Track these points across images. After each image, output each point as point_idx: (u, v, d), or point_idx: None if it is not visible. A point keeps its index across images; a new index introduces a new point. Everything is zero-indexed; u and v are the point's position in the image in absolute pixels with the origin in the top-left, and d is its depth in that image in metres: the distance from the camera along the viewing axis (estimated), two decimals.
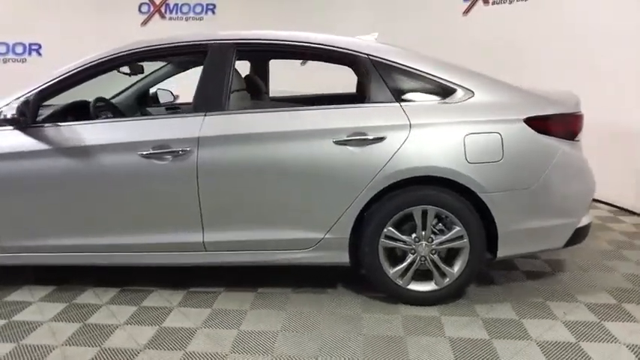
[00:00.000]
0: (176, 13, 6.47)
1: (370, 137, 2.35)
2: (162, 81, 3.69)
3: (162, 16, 6.43)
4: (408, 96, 2.46)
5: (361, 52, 2.50)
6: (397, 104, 2.42)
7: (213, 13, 6.50)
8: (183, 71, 3.63)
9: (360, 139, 2.36)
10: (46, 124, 2.49)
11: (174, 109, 3.85)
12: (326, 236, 2.46)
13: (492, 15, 5.32)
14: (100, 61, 2.55)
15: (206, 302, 2.59)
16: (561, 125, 2.41)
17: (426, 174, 2.35)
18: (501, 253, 2.45)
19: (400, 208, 2.40)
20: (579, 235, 2.53)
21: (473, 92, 2.43)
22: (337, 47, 2.53)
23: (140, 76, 3.55)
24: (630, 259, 3.08)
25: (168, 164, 2.41)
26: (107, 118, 2.80)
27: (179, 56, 3.04)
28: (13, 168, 2.46)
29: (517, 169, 2.36)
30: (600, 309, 2.46)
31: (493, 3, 5.33)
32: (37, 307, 2.54)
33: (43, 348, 2.16)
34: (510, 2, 5.15)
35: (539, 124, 2.37)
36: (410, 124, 2.36)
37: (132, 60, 2.70)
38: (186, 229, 2.50)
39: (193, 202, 2.45)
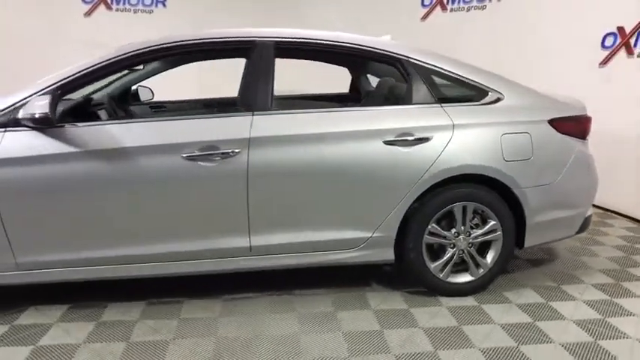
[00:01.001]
0: (123, 4, 6.03)
1: (417, 137, 2.44)
2: (145, 79, 3.44)
3: (109, 7, 5.95)
4: (446, 97, 2.58)
5: (400, 54, 2.57)
6: (439, 105, 2.53)
7: (164, 5, 6.17)
8: (171, 68, 3.43)
9: (407, 140, 2.43)
10: (79, 124, 2.25)
11: (157, 107, 3.63)
12: (373, 235, 2.50)
13: (449, 21, 5.67)
14: (129, 55, 2.34)
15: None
16: (577, 126, 2.69)
17: (471, 172, 2.49)
18: (527, 243, 2.67)
19: (444, 205, 2.52)
20: (586, 223, 2.84)
21: (503, 95, 2.62)
22: (377, 48, 2.57)
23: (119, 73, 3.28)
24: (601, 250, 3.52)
25: (216, 166, 2.28)
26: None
27: (216, 52, 2.85)
28: (31, 174, 2.17)
29: (543, 166, 2.59)
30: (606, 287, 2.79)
31: (451, 10, 5.68)
32: None
33: None
34: (468, 10, 5.53)
35: (560, 125, 2.62)
36: (453, 125, 2.48)
37: (163, 55, 2.51)
38: (232, 233, 2.39)
39: (241, 205, 2.35)
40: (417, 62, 2.57)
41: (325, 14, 6.11)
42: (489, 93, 2.61)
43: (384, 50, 2.57)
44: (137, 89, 3.61)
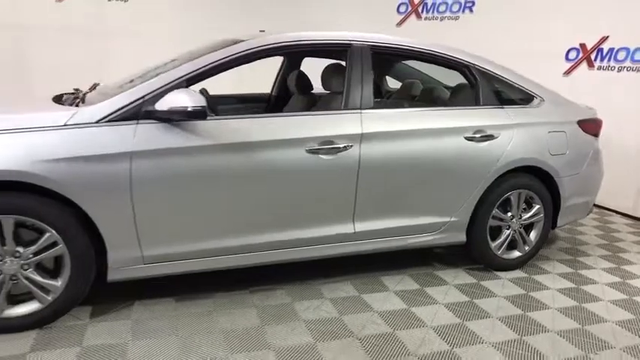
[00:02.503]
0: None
1: (489, 134, 2.84)
2: None
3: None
4: (506, 101, 3.02)
5: (469, 62, 2.95)
6: (501, 107, 2.96)
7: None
8: None
9: (482, 136, 2.82)
10: (217, 117, 2.31)
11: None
12: (451, 219, 2.86)
13: (423, 29, 6.20)
14: (247, 52, 2.42)
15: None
16: (594, 126, 3.29)
17: (528, 164, 2.95)
18: (559, 223, 3.22)
19: (505, 193, 2.95)
20: (592, 208, 3.47)
21: (544, 99, 3.12)
22: (450, 56, 2.92)
23: None
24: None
25: (334, 159, 2.47)
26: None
27: (320, 52, 2.98)
28: (166, 166, 2.18)
29: (574, 159, 3.14)
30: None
31: (425, 18, 6.22)
32: None
33: None
34: (441, 20, 6.10)
35: (584, 125, 3.20)
36: (514, 124, 2.92)
37: (277, 52, 2.61)
38: (340, 220, 2.60)
39: (350, 194, 2.56)
40: (483, 69, 2.97)
41: (302, 16, 6.31)
42: (535, 97, 3.10)
43: (457, 58, 2.92)
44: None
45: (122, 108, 2.16)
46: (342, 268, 2.94)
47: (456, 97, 3.16)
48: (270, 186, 2.39)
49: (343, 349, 2.15)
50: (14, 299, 2.13)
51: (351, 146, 2.50)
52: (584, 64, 4.88)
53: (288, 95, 3.66)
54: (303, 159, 2.42)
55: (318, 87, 3.72)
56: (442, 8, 6.06)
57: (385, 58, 3.69)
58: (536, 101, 3.10)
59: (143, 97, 2.19)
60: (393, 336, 2.28)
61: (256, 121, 2.41)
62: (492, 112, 2.93)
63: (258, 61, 2.55)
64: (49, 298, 2.14)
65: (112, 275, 2.24)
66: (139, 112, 2.17)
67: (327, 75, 2.87)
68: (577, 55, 4.92)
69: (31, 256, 2.08)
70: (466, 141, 2.78)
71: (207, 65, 2.33)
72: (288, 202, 2.46)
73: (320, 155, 2.44)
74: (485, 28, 5.67)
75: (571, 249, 3.60)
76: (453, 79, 3.61)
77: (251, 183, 2.35)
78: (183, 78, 2.27)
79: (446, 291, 2.78)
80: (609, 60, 4.67)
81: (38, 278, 2.11)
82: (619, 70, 4.59)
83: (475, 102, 2.95)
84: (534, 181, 3.03)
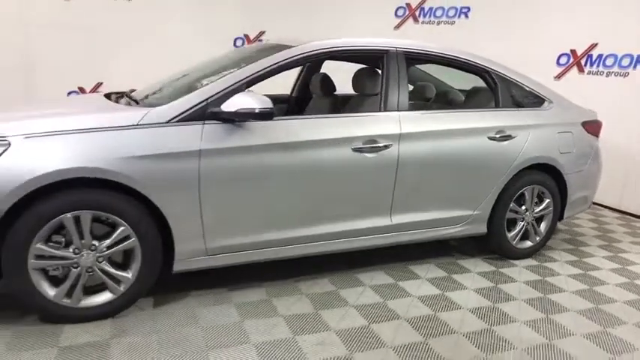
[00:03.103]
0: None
1: (508, 134, 3.10)
2: None
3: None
4: (521, 103, 3.29)
5: (490, 67, 3.21)
6: (518, 109, 3.23)
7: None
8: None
9: (502, 136, 3.08)
10: (277, 118, 2.45)
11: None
12: (475, 212, 3.11)
13: (420, 32, 6.47)
14: (299, 56, 2.60)
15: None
16: (596, 127, 3.61)
17: (542, 162, 3.23)
18: (565, 215, 3.52)
19: (521, 188, 3.23)
20: (592, 202, 3.80)
21: (553, 102, 3.41)
22: (473, 62, 3.17)
23: None
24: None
25: (376, 157, 2.68)
26: None
27: (357, 57, 3.16)
28: (231, 163, 2.34)
29: (579, 157, 3.45)
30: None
31: (422, 22, 6.49)
32: None
33: None
34: (438, 24, 6.39)
35: (587, 126, 3.52)
36: (529, 125, 3.20)
37: (325, 57, 2.81)
38: (379, 214, 2.81)
39: (389, 190, 2.78)
40: (501, 74, 3.23)
41: (301, 19, 6.47)
42: (545, 100, 3.39)
43: (479, 64, 3.18)
44: None
45: (190, 109, 2.30)
46: (370, 259, 3.15)
47: (474, 100, 3.41)
48: (321, 182, 2.58)
49: (397, 329, 2.36)
50: (87, 291, 2.26)
51: (391, 145, 2.72)
52: (575, 69, 5.24)
53: (308, 96, 3.85)
54: (350, 157, 2.62)
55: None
56: (439, 13, 6.34)
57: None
58: (546, 104, 3.39)
59: (207, 98, 2.34)
60: (435, 317, 2.51)
61: (308, 121, 2.60)
62: (510, 113, 3.19)
63: None
64: (121, 288, 2.27)
65: (178, 266, 2.38)
66: (204, 113, 2.32)
67: (361, 78, 3.06)
68: (568, 61, 5.28)
69: (104, 249, 2.20)
70: (489, 140, 3.04)
71: (265, 69, 2.49)
72: (337, 196, 2.66)
73: (364, 153, 2.65)
74: (480, 33, 5.98)
75: (571, 239, 3.92)
76: (458, 82, 3.89)
77: (304, 179, 2.54)
78: (244, 81, 2.43)
79: (471, 277, 3.04)
80: (598, 65, 5.04)
81: (112, 270, 2.24)
82: (607, 75, 4.97)
83: (495, 104, 3.22)
84: (545, 177, 3.32)
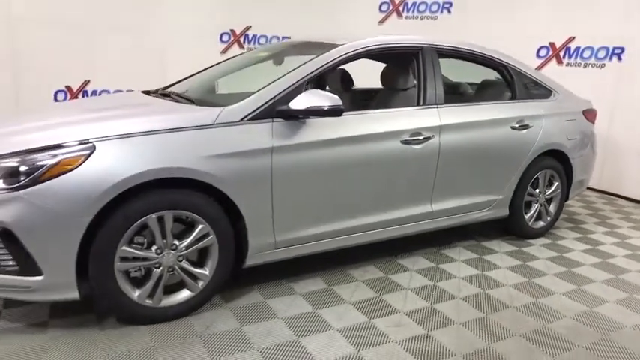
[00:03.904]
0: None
1: (526, 124, 3.36)
2: None
3: (241, 47, 6.40)
4: (533, 95, 3.55)
5: (507, 62, 3.45)
6: (532, 100, 3.49)
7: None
8: None
9: (521, 126, 3.33)
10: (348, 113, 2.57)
11: None
12: (500, 197, 3.35)
13: (404, 27, 6.69)
14: (349, 54, 2.71)
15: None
16: (593, 115, 3.95)
17: (554, 148, 3.52)
18: (570, 197, 3.85)
19: (536, 173, 3.50)
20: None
21: (558, 93, 3.71)
22: (493, 57, 3.40)
23: None
24: None
25: (421, 148, 2.84)
26: None
27: (396, 55, 3.21)
28: (298, 159, 2.42)
29: (582, 143, 3.77)
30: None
31: (406, 17, 6.70)
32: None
33: None
34: (421, 19, 6.63)
35: (586, 114, 3.85)
36: (542, 114, 3.47)
37: (373, 54, 2.91)
38: (422, 202, 2.98)
39: (431, 179, 2.95)
40: (517, 68, 3.48)
41: (285, 14, 6.52)
42: (552, 91, 3.68)
43: (498, 59, 3.41)
44: None
45: (259, 107, 2.36)
46: (407, 246, 3.33)
47: (485, 92, 3.65)
48: (375, 173, 2.72)
49: (456, 307, 2.55)
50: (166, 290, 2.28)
51: (433, 136, 2.89)
52: (554, 61, 5.64)
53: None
54: (399, 149, 2.77)
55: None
56: (422, 8, 6.58)
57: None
58: (553, 94, 3.68)
59: (274, 97, 2.41)
60: (486, 294, 2.72)
61: (366, 116, 2.72)
62: (527, 104, 3.45)
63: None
64: (199, 286, 2.30)
65: (249, 261, 2.45)
66: (272, 111, 2.39)
67: (392, 74, 3.19)
68: (547, 53, 5.67)
69: (184, 248, 2.23)
70: (511, 130, 3.28)
71: (321, 67, 2.58)
72: (388, 187, 2.80)
73: (411, 145, 2.80)
74: (461, 27, 6.27)
75: (569, 219, 4.28)
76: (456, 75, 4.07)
77: (363, 171, 2.67)
78: (304, 79, 2.51)
79: (500, 257, 3.28)
80: (576, 57, 5.46)
81: (191, 268, 2.27)
82: (584, 67, 5.39)
83: (512, 96, 3.46)
84: (555, 162, 3.61)
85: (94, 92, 5.74)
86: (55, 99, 5.44)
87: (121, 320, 2.23)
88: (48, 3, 5.17)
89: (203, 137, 2.21)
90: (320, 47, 2.80)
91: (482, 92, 3.72)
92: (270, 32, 6.58)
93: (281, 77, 2.49)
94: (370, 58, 3.28)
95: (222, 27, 6.47)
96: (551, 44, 5.62)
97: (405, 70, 3.12)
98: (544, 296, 2.74)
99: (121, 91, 5.94)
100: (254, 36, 6.62)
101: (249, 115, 2.33)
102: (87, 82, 5.65)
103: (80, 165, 1.95)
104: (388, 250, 3.23)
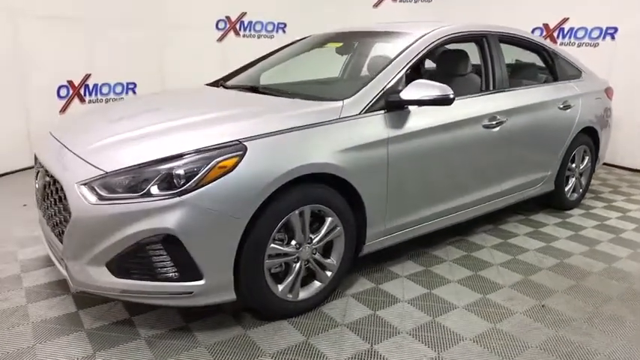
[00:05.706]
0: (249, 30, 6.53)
1: (568, 104, 3.61)
2: None
3: (237, 34, 6.40)
4: (569, 76, 3.81)
5: (547, 46, 3.67)
6: (570, 81, 3.75)
7: (284, 32, 6.55)
8: None
9: (565, 106, 3.58)
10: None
11: None
12: (548, 173, 3.60)
13: (399, 10, 6.81)
14: (437, 41, 2.82)
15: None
16: (611, 93, 4.28)
17: (589, 125, 3.80)
18: (596, 169, 4.19)
19: (573, 150, 3.78)
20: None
21: (586, 73, 4.00)
22: (538, 42, 3.61)
23: None
24: None
25: (498, 131, 3.00)
26: None
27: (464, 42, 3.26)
28: (409, 147, 2.50)
29: (604, 118, 4.10)
30: None
31: (400, 1, 6.82)
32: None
33: None
34: (415, 2, 6.77)
35: (607, 92, 4.17)
36: (579, 94, 3.74)
37: (453, 40, 2.98)
38: (495, 182, 3.16)
39: (503, 159, 3.14)
40: (555, 51, 3.71)
41: (283, 1, 6.46)
42: (582, 72, 3.96)
43: (541, 43, 3.63)
44: None
45: (373, 99, 2.41)
46: (459, 226, 3.51)
47: (519, 74, 3.86)
48: (465, 157, 2.86)
49: (552, 278, 2.77)
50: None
51: (506, 120, 3.05)
52: (548, 41, 5.98)
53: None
54: (481, 133, 2.91)
55: None
56: None
57: None
58: (582, 75, 3.97)
59: (384, 88, 2.46)
60: (564, 264, 2.97)
61: (461, 101, 2.79)
62: (567, 85, 3.71)
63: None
64: (329, 276, 2.35)
65: (365, 250, 2.52)
66: (384, 102, 2.45)
67: (459, 60, 3.22)
68: (541, 34, 6.00)
69: (317, 241, 2.27)
70: (559, 110, 3.53)
71: (416, 55, 2.66)
72: (474, 170, 2.96)
73: (490, 129, 2.96)
74: (456, 9, 6.49)
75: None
76: None
77: (456, 155, 2.80)
78: (404, 69, 2.58)
79: (554, 229, 3.55)
80: (570, 37, 5.82)
81: (323, 260, 2.31)
82: (579, 46, 5.76)
83: (553, 78, 3.70)
84: (588, 138, 3.92)
85: (95, 86, 5.45)
86: (59, 95, 5.11)
87: (258, 317, 2.25)
88: None
89: (333, 132, 2.24)
90: (391, 36, 2.95)
91: (513, 75, 3.95)
92: (266, 18, 6.49)
93: (386, 67, 2.55)
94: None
95: (218, 14, 6.29)
96: (545, 25, 5.96)
97: (465, 57, 3.24)
98: (612, 262, 3.02)
99: (122, 84, 5.70)
100: (250, 22, 6.49)
101: (366, 107, 2.38)
102: (88, 76, 5.33)
103: (236, 166, 1.93)
104: (418, 242, 3.13)
